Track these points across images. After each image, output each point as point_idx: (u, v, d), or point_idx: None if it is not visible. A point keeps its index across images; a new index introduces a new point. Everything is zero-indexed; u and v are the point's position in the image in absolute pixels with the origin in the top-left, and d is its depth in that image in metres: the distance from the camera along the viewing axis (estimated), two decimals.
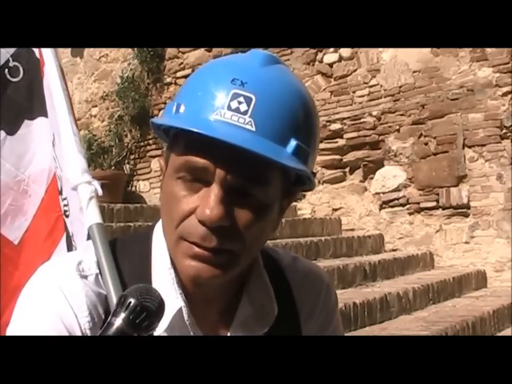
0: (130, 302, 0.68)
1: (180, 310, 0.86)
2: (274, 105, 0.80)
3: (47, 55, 1.37)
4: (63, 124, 1.29)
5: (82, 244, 0.95)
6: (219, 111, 0.78)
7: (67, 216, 1.37)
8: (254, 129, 0.78)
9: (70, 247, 1.36)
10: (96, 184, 1.18)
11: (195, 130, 0.78)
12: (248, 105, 0.78)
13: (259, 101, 0.79)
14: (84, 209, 1.15)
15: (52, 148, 1.40)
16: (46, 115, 1.43)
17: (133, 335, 0.67)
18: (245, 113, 0.78)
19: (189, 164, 0.80)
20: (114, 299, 0.86)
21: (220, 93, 0.79)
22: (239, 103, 0.78)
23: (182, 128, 0.81)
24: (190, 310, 0.87)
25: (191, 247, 0.81)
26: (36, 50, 1.44)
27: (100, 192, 1.17)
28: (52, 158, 1.41)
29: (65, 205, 1.38)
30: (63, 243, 1.39)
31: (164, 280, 0.87)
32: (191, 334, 0.87)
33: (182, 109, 0.82)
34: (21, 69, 1.44)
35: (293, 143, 0.81)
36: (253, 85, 0.79)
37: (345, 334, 3.26)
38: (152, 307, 0.69)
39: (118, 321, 0.67)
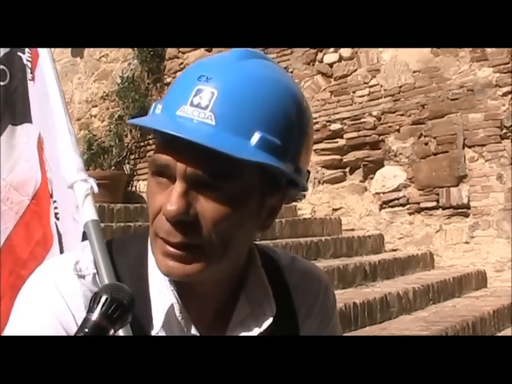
0: (101, 297, 0.72)
1: (172, 306, 0.87)
2: (237, 97, 0.79)
3: (43, 56, 1.36)
4: (59, 123, 1.29)
5: (79, 244, 0.95)
6: (182, 108, 0.80)
7: (58, 219, 1.36)
8: (213, 123, 0.78)
9: (61, 250, 1.35)
10: (92, 182, 1.20)
11: (149, 126, 0.82)
12: (210, 100, 0.79)
13: (221, 95, 0.79)
14: (80, 207, 1.16)
15: (39, 152, 1.39)
16: (30, 121, 1.42)
17: (108, 328, 0.71)
18: (205, 107, 0.79)
19: (155, 161, 0.82)
20: None
21: (185, 90, 0.80)
22: (201, 98, 0.79)
23: (142, 126, 0.85)
24: (185, 307, 0.88)
25: (163, 244, 0.82)
26: (24, 55, 1.42)
27: (96, 189, 1.19)
28: (39, 164, 1.40)
29: (55, 208, 1.37)
30: (55, 247, 1.38)
31: (157, 278, 0.88)
32: (185, 330, 0.88)
33: (158, 108, 0.84)
34: (8, 73, 1.43)
35: (257, 135, 0.79)
36: (217, 80, 0.80)
37: (345, 334, 3.25)
38: (123, 299, 0.73)
39: (94, 316, 0.71)
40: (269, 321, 0.90)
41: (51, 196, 1.38)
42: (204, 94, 0.79)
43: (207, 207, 0.80)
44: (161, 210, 0.81)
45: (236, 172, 0.80)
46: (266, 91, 0.82)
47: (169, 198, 0.79)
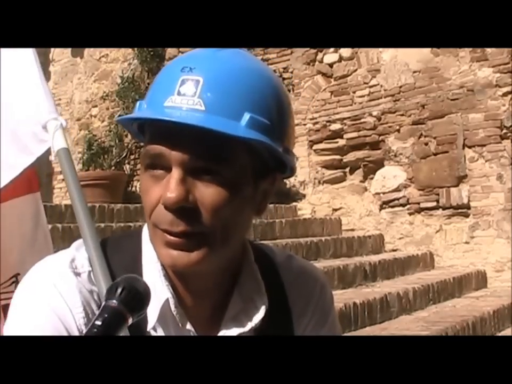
0: (122, 287, 0.72)
1: (167, 301, 0.87)
2: (223, 82, 0.82)
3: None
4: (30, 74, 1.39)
5: (74, 243, 0.96)
6: (170, 98, 0.81)
7: None
8: (203, 108, 0.80)
9: None
10: (61, 119, 1.33)
11: (142, 116, 0.85)
12: (196, 87, 0.81)
13: (206, 82, 0.81)
14: (51, 139, 1.29)
15: None
16: None
17: (126, 315, 0.71)
18: (193, 95, 0.81)
19: (148, 153, 0.83)
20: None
21: (169, 83, 0.82)
22: (188, 87, 0.81)
23: (132, 118, 0.87)
24: (180, 303, 0.88)
25: (164, 235, 0.82)
26: None
27: (64, 124, 1.33)
28: None
29: None
30: None
31: (152, 274, 0.88)
32: (180, 325, 0.88)
33: (144, 104, 0.87)
34: None
35: (246, 116, 0.82)
36: (200, 68, 0.82)
37: (346, 334, 3.26)
38: (140, 288, 0.74)
39: (113, 302, 0.71)
40: (261, 315, 0.91)
41: None
42: (189, 82, 0.81)
43: (205, 193, 0.81)
44: (160, 201, 0.82)
45: (230, 155, 0.82)
46: (249, 75, 0.85)
47: (168, 187, 0.80)
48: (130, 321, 0.71)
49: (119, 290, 0.72)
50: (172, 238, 0.82)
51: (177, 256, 0.82)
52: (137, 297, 0.72)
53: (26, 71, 1.41)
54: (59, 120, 1.33)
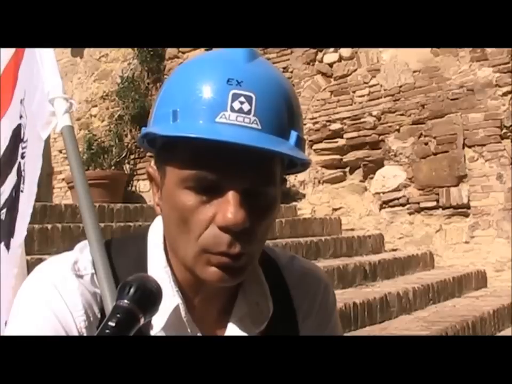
0: (131, 285, 0.72)
1: (177, 307, 0.86)
2: (272, 100, 0.80)
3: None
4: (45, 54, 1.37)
5: (78, 244, 0.95)
6: (223, 114, 0.77)
7: (23, 158, 1.42)
8: (260, 127, 0.77)
9: (17, 193, 1.40)
10: (73, 101, 1.31)
11: (205, 137, 0.76)
12: (250, 104, 0.77)
13: (259, 99, 0.78)
14: (59, 117, 1.26)
15: (20, 105, 1.46)
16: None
17: (138, 314, 0.70)
18: (248, 112, 0.77)
19: (200, 175, 0.79)
20: (108, 298, 0.86)
21: (218, 95, 0.78)
22: (241, 103, 0.77)
23: (186, 136, 0.77)
24: (188, 308, 0.88)
25: (215, 257, 0.80)
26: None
27: (76, 107, 1.31)
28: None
29: (23, 147, 1.43)
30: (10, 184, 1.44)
31: (160, 279, 0.86)
32: (189, 331, 0.88)
33: (178, 115, 0.79)
34: None
35: (293, 134, 0.81)
36: (249, 83, 0.78)
37: (345, 334, 3.25)
38: (151, 287, 0.73)
39: (124, 302, 0.70)
40: (266, 319, 0.90)
41: (22, 140, 1.44)
42: (242, 98, 0.77)
43: (255, 214, 0.80)
44: (215, 222, 0.79)
45: (274, 174, 0.82)
46: (287, 89, 0.84)
47: (227, 208, 0.78)
48: (142, 321, 0.70)
49: (132, 290, 0.70)
50: (225, 259, 0.80)
51: (225, 275, 0.81)
52: (150, 298, 0.72)
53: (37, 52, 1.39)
54: (70, 101, 1.29)
